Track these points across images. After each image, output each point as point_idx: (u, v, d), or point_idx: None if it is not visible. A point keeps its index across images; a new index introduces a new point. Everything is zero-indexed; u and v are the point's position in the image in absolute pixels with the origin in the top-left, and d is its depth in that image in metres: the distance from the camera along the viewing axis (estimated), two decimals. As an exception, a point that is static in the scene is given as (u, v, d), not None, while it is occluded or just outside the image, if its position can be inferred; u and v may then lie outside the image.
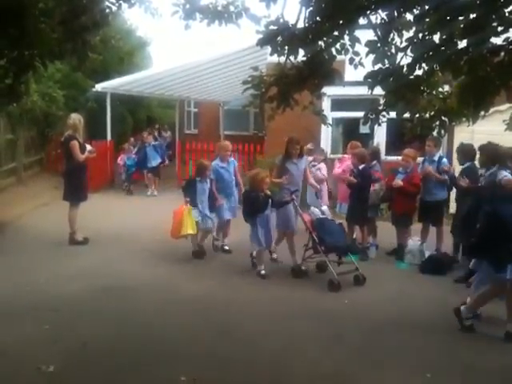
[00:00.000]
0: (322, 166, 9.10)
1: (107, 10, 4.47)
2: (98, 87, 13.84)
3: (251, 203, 6.76)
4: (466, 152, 7.06)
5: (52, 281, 6.33)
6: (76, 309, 5.49)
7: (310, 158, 8.82)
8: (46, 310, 5.41)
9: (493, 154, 6.38)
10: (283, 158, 7.43)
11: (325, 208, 7.25)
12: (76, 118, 8.20)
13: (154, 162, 13.84)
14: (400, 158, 8.06)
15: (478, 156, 6.73)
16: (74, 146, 7.96)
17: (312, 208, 7.17)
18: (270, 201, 6.78)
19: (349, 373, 4.29)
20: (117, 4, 4.53)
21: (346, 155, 9.30)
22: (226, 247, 8.03)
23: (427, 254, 7.40)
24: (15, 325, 5.04)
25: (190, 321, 5.29)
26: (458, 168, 7.55)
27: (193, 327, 5.12)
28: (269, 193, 6.84)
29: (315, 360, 4.47)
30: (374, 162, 8.16)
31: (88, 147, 8.71)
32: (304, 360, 4.47)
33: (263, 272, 6.77)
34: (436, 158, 7.66)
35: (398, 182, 7.52)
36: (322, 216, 6.92)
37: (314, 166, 9.04)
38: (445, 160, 7.70)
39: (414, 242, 7.63)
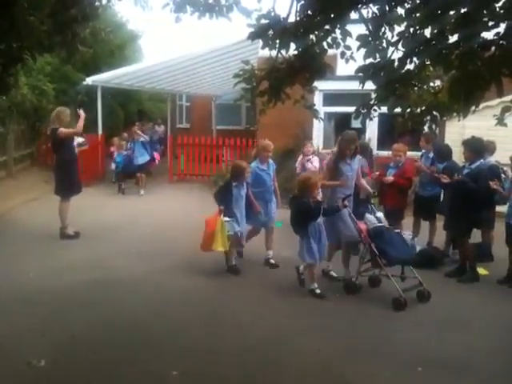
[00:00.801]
0: (315, 158, 9.16)
1: (97, 3, 4.45)
2: (89, 80, 13.76)
3: (303, 211, 5.90)
4: (443, 152, 7.18)
5: (42, 274, 6.30)
6: (66, 302, 5.47)
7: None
8: (36, 303, 5.39)
9: (477, 148, 6.49)
10: (336, 157, 6.56)
11: (380, 214, 6.39)
12: (60, 110, 8.13)
13: (142, 159, 13.00)
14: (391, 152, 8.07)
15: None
16: (63, 131, 7.92)
17: (367, 215, 6.29)
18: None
19: (336, 363, 4.31)
20: (106, -4, 4.50)
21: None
22: (272, 261, 7.06)
23: (418, 248, 7.42)
24: (4, 318, 5.01)
25: (180, 314, 5.27)
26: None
27: (183, 321, 5.11)
28: (320, 199, 6.17)
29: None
30: (360, 157, 8.15)
31: (79, 139, 8.65)
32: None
33: (318, 291, 5.87)
34: (431, 155, 7.69)
35: (389, 178, 7.52)
36: (378, 224, 6.11)
37: (308, 160, 9.12)
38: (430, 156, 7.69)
39: (406, 236, 7.64)
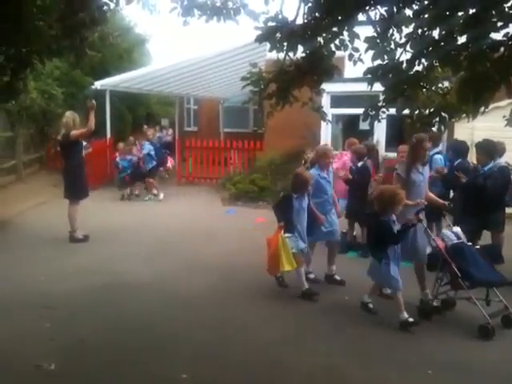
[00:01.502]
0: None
1: (105, 7, 4.46)
2: (97, 84, 13.81)
3: (384, 234, 5.11)
4: (460, 149, 7.11)
5: (51, 278, 6.32)
6: (75, 306, 5.49)
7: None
8: (46, 307, 5.40)
9: (489, 150, 6.46)
10: (409, 164, 5.84)
11: (458, 229, 5.66)
12: (70, 116, 8.13)
13: (149, 165, 12.45)
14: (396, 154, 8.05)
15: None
16: (75, 133, 7.96)
17: (444, 230, 5.69)
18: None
19: (345, 366, 4.29)
20: (114, 1, 4.51)
21: (343, 152, 9.34)
22: (337, 277, 6.45)
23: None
24: (15, 322, 5.04)
25: (188, 318, 5.27)
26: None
27: (191, 325, 5.11)
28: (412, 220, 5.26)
29: None
30: (365, 158, 8.14)
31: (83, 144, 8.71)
32: None
33: (412, 319, 5.07)
34: (430, 154, 7.65)
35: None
36: (457, 240, 5.45)
37: (307, 168, 9.13)
38: (436, 157, 7.62)
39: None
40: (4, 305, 5.47)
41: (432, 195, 6.12)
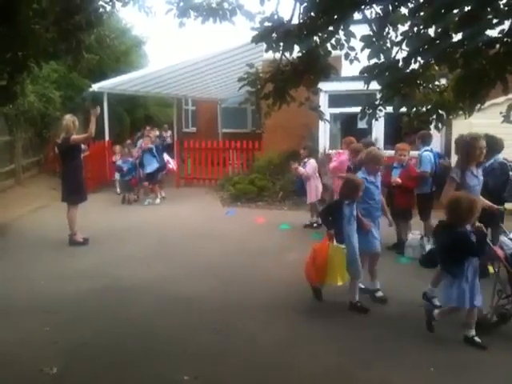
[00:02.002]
0: (311, 161, 9.24)
1: (101, 10, 4.46)
2: (95, 87, 13.83)
3: (464, 243, 4.58)
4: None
5: (52, 282, 6.33)
6: (76, 309, 5.49)
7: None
8: (46, 311, 5.40)
9: (491, 145, 6.43)
10: (463, 166, 5.49)
11: None
12: (69, 119, 8.11)
13: (150, 167, 12.08)
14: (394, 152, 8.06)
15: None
16: (76, 138, 7.97)
17: (502, 238, 5.29)
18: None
19: (350, 366, 4.29)
20: (110, 3, 4.52)
21: (340, 150, 9.38)
22: (380, 293, 5.85)
23: (428, 247, 7.39)
24: (15, 326, 5.04)
25: (190, 320, 5.27)
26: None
27: (193, 326, 5.11)
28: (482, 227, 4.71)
29: None
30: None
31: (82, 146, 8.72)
32: None
33: (478, 340, 4.63)
34: (420, 152, 7.69)
35: (397, 179, 7.50)
36: None
37: (304, 163, 9.22)
38: (425, 154, 7.61)
39: (413, 236, 7.62)
40: (4, 309, 5.47)
41: (485, 200, 5.66)
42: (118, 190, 13.08)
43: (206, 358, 4.45)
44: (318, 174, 9.36)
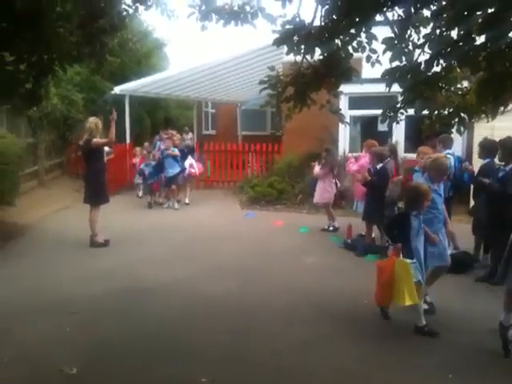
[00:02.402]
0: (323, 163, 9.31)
1: (124, 13, 4.52)
2: (117, 90, 13.97)
3: None
4: (489, 147, 6.95)
5: (73, 283, 6.40)
6: (96, 310, 5.55)
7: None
8: (67, 311, 5.47)
9: None
10: None
11: None
12: (93, 121, 8.21)
13: (171, 171, 11.73)
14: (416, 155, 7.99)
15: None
16: (97, 141, 8.06)
17: None
18: None
19: (366, 371, 4.27)
20: (133, 7, 4.58)
21: (361, 154, 9.36)
22: (427, 302, 5.53)
23: (450, 251, 7.30)
24: (37, 326, 5.11)
25: (207, 322, 5.30)
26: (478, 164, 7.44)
27: (212, 328, 5.13)
28: None
29: None
30: (388, 159, 8.12)
31: (106, 148, 8.79)
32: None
33: None
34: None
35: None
36: None
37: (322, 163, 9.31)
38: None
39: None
40: (26, 309, 5.55)
41: None
42: (140, 193, 13.17)
43: (223, 360, 4.46)
44: (331, 178, 9.34)
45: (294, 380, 4.18)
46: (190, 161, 12.45)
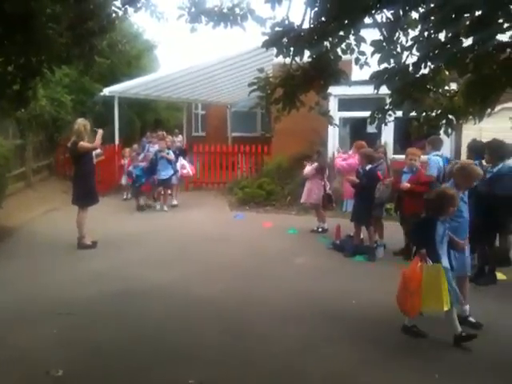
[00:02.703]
0: (314, 164, 9.47)
1: (113, 15, 4.51)
2: (106, 91, 13.92)
3: None
4: (477, 149, 7.01)
5: (62, 285, 6.36)
6: (86, 313, 5.51)
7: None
8: (56, 314, 5.43)
9: (499, 150, 6.40)
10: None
11: None
12: (81, 123, 8.18)
13: (164, 173, 11.62)
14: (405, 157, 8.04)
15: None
16: (84, 145, 8.01)
17: None
18: None
19: (357, 371, 4.28)
20: (123, 9, 4.57)
21: (350, 153, 9.44)
22: (472, 319, 5.23)
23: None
24: (26, 329, 5.06)
25: (201, 324, 5.29)
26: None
27: (203, 330, 5.13)
28: None
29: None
30: (381, 160, 8.17)
31: (97, 150, 8.75)
32: None
33: None
34: (429, 157, 7.64)
35: (406, 184, 7.46)
36: None
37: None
38: (433, 158, 7.55)
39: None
40: (16, 312, 5.51)
41: None
42: (125, 194, 13.07)
43: (214, 362, 4.45)
44: (319, 180, 9.36)
45: (287, 382, 4.17)
46: (181, 162, 12.55)
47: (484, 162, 6.84)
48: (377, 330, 5.13)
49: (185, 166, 12.76)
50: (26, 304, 5.73)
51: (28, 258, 7.62)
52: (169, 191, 12.13)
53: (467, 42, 2.93)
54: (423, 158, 8.16)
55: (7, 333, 4.98)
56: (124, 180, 12.92)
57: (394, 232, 8.14)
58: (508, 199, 6.35)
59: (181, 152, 12.76)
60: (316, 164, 9.34)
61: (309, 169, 9.38)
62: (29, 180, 12.84)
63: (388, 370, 4.32)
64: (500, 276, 6.66)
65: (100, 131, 8.38)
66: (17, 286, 6.35)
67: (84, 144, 8.05)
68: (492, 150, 6.49)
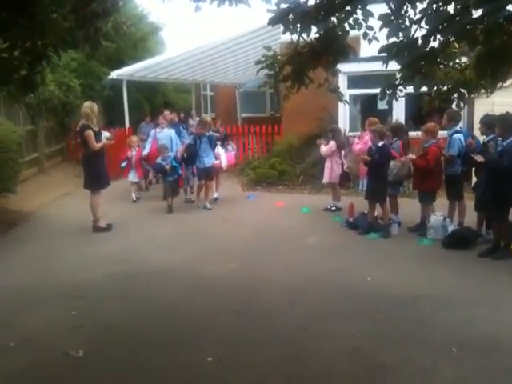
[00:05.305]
0: (331, 142, 9.35)
1: (118, -4, 4.46)
2: (114, 74, 13.85)
3: None
4: (491, 123, 6.90)
5: (77, 267, 6.44)
6: (101, 294, 5.59)
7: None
8: (72, 296, 5.51)
9: (510, 124, 6.32)
10: None
11: None
12: (87, 106, 8.17)
13: (208, 160, 9.64)
14: (419, 133, 7.97)
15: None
16: (89, 136, 7.97)
17: None
18: None
19: (369, 347, 4.30)
20: (127, -11, 4.51)
21: (363, 132, 9.32)
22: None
23: (450, 229, 7.32)
24: (42, 311, 5.15)
25: (212, 303, 5.33)
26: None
27: (215, 309, 5.17)
28: None
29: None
30: (395, 139, 8.08)
31: (106, 134, 8.76)
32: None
33: None
34: (449, 133, 7.54)
35: (411, 156, 7.44)
36: None
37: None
38: (455, 137, 7.44)
39: (436, 217, 7.53)
40: (32, 294, 5.60)
41: None
42: (135, 196, 10.84)
43: (228, 340, 4.50)
44: (337, 158, 9.28)
45: (299, 359, 4.20)
46: (217, 150, 10.38)
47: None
48: (388, 306, 5.14)
49: (219, 155, 10.40)
50: (39, 287, 5.82)
51: (43, 242, 7.70)
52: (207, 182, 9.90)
53: (477, 13, 2.87)
54: (442, 133, 8.08)
55: (21, 315, 5.06)
56: (132, 176, 10.82)
57: (410, 209, 8.11)
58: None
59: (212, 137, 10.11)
60: (334, 142, 9.23)
61: (326, 148, 9.26)
62: (42, 165, 12.91)
63: (402, 348, 4.33)
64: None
65: (108, 135, 8.34)
66: (30, 269, 6.45)
67: (90, 137, 7.95)
68: (503, 124, 6.40)
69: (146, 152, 10.84)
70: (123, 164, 10.74)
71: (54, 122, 13.94)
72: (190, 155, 9.65)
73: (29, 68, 4.21)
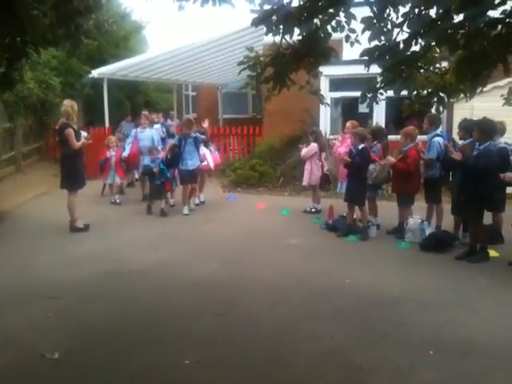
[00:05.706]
0: (311, 145, 9.37)
1: (99, -7, 4.41)
2: (95, 73, 13.72)
3: None
4: (469, 128, 7.01)
5: (54, 268, 6.35)
6: (79, 295, 5.52)
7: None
8: (49, 297, 5.43)
9: (486, 129, 6.43)
10: None
11: None
12: (68, 104, 8.05)
13: (192, 163, 9.24)
14: (399, 137, 8.03)
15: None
16: (70, 135, 7.86)
17: None
18: None
19: (348, 348, 4.32)
20: (109, -13, 4.47)
21: (345, 134, 9.35)
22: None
23: (428, 232, 7.40)
24: (19, 312, 5.06)
25: (192, 304, 5.30)
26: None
27: (195, 310, 5.14)
28: None
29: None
30: (375, 142, 8.13)
31: (84, 134, 8.65)
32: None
33: None
34: (429, 137, 7.62)
35: (390, 158, 7.53)
36: None
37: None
38: (434, 141, 7.49)
39: (414, 220, 7.61)
40: (8, 296, 5.50)
41: None
42: (114, 198, 10.37)
43: (208, 342, 4.47)
44: (317, 161, 9.31)
45: (278, 361, 4.19)
46: (202, 151, 9.92)
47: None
48: (367, 308, 5.17)
49: (205, 157, 10.01)
50: (17, 287, 5.72)
51: (19, 242, 7.59)
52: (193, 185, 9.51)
53: (458, 18, 2.90)
54: (422, 137, 8.16)
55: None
56: (111, 178, 10.40)
57: (389, 211, 8.18)
58: (493, 176, 6.37)
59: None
60: (315, 144, 9.25)
61: (306, 150, 9.29)
62: (19, 164, 12.72)
63: (380, 349, 4.36)
64: (492, 253, 6.72)
65: (86, 135, 8.38)
66: (8, 269, 6.34)
67: (71, 135, 7.85)
68: (481, 129, 6.50)
69: (125, 154, 10.64)
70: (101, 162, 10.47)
71: (33, 120, 13.75)
72: (173, 156, 9.28)
73: (7, 65, 4.14)
